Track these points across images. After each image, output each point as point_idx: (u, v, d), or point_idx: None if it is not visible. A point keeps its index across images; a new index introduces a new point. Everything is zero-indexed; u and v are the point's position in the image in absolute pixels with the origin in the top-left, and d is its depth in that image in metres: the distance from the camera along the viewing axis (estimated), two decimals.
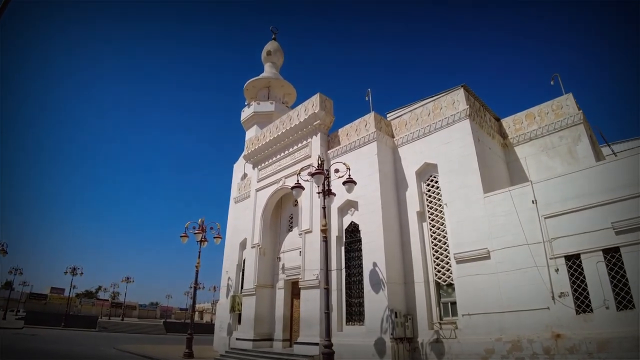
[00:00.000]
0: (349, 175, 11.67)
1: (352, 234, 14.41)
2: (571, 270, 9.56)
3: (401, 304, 12.34)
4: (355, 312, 13.30)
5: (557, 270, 9.69)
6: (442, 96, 13.79)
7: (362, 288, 13.15)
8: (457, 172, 12.33)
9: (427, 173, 13.59)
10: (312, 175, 11.37)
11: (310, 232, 14.96)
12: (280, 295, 16.86)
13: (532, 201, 10.49)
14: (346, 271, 14.06)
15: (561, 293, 9.50)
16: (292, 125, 17.28)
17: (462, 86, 13.29)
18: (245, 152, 20.37)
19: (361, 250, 13.67)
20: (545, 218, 10.16)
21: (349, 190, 11.65)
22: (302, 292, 14.54)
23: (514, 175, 14.07)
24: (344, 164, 12.00)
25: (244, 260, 19.70)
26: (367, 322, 12.40)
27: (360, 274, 13.44)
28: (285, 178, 17.36)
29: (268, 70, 28.65)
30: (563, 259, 9.67)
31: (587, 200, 9.52)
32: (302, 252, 15.00)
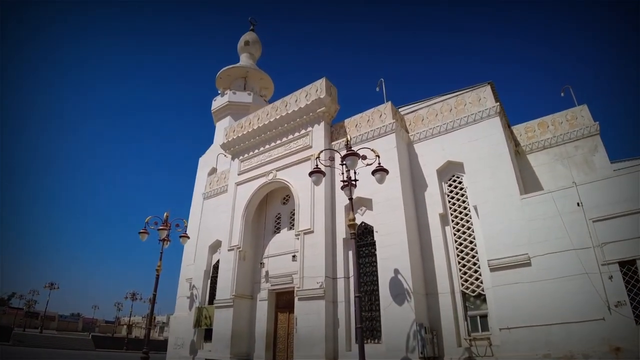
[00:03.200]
0: (379, 163, 10.03)
1: (362, 236, 12.66)
2: (626, 278, 8.87)
3: (424, 317, 10.76)
4: (367, 328, 11.39)
5: (610, 277, 8.92)
6: (466, 92, 12.99)
7: (377, 299, 11.39)
8: (488, 171, 11.37)
9: (450, 172, 12.49)
10: (344, 157, 9.52)
11: (312, 232, 12.88)
12: (263, 307, 14.28)
13: (578, 204, 9.80)
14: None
15: (618, 302, 8.69)
16: (288, 112, 15.29)
17: (488, 83, 12.62)
18: (224, 141, 17.71)
19: (375, 255, 11.96)
20: (593, 222, 9.47)
21: (380, 181, 9.99)
22: (299, 303, 12.25)
23: (527, 182, 13.59)
24: (372, 150, 10.33)
25: (214, 265, 16.79)
26: (386, 339, 10.59)
27: (374, 282, 11.67)
28: (277, 170, 15.17)
29: (245, 61, 26.33)
30: (617, 265, 8.96)
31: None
32: (300, 256, 12.81)
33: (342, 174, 10.16)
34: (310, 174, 10.19)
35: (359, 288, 8.87)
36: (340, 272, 12.25)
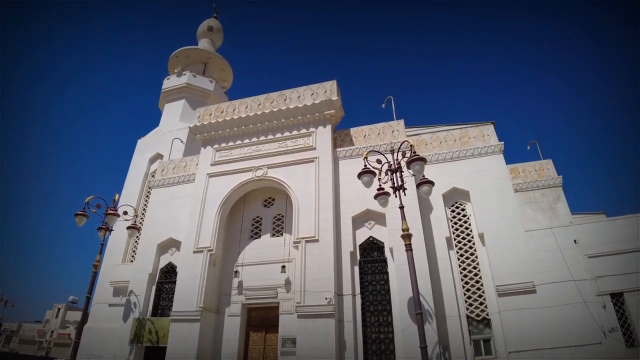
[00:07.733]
0: (423, 175, 9.68)
1: (368, 252, 11.89)
2: (616, 307, 10.23)
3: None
4: (376, 351, 10.41)
5: (604, 306, 10.18)
6: (470, 127, 13.90)
7: (387, 319, 10.61)
8: (494, 203, 12.10)
9: (453, 198, 12.86)
10: (410, 162, 8.87)
11: (316, 241, 11.50)
12: (233, 325, 11.91)
13: (574, 241, 11.11)
14: (362, 297, 11.18)
15: (612, 328, 9.91)
16: (289, 107, 13.95)
17: (491, 123, 13.81)
18: (195, 123, 15.01)
19: (385, 272, 11.29)
20: (588, 257, 10.81)
21: (427, 193, 9.58)
22: (300, 321, 10.54)
23: None
24: (420, 158, 9.93)
25: (162, 269, 13.58)
26: None
27: (385, 302, 10.91)
28: (269, 168, 13.42)
29: (205, 46, 23.58)
30: (609, 296, 10.30)
31: (627, 244, 10.70)
32: (301, 267, 11.24)
33: (379, 178, 9.56)
34: (360, 175, 9.25)
35: (419, 305, 8.04)
36: (347, 289, 11.09)
